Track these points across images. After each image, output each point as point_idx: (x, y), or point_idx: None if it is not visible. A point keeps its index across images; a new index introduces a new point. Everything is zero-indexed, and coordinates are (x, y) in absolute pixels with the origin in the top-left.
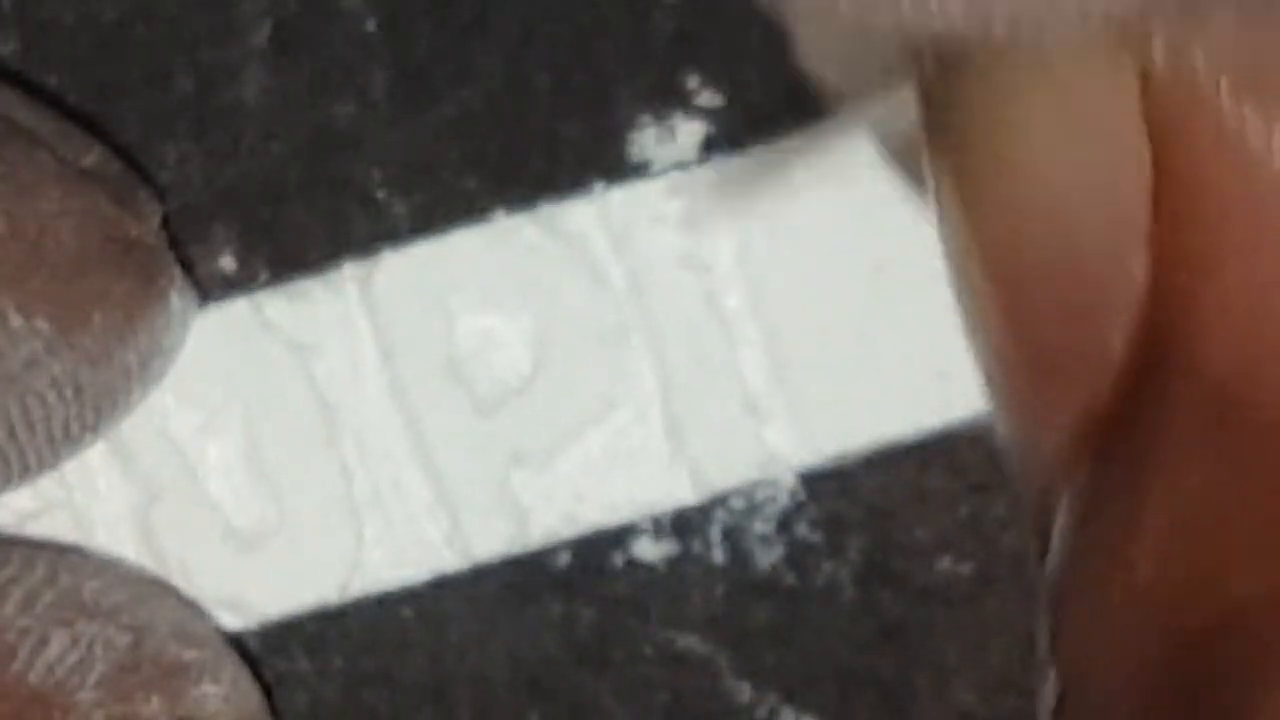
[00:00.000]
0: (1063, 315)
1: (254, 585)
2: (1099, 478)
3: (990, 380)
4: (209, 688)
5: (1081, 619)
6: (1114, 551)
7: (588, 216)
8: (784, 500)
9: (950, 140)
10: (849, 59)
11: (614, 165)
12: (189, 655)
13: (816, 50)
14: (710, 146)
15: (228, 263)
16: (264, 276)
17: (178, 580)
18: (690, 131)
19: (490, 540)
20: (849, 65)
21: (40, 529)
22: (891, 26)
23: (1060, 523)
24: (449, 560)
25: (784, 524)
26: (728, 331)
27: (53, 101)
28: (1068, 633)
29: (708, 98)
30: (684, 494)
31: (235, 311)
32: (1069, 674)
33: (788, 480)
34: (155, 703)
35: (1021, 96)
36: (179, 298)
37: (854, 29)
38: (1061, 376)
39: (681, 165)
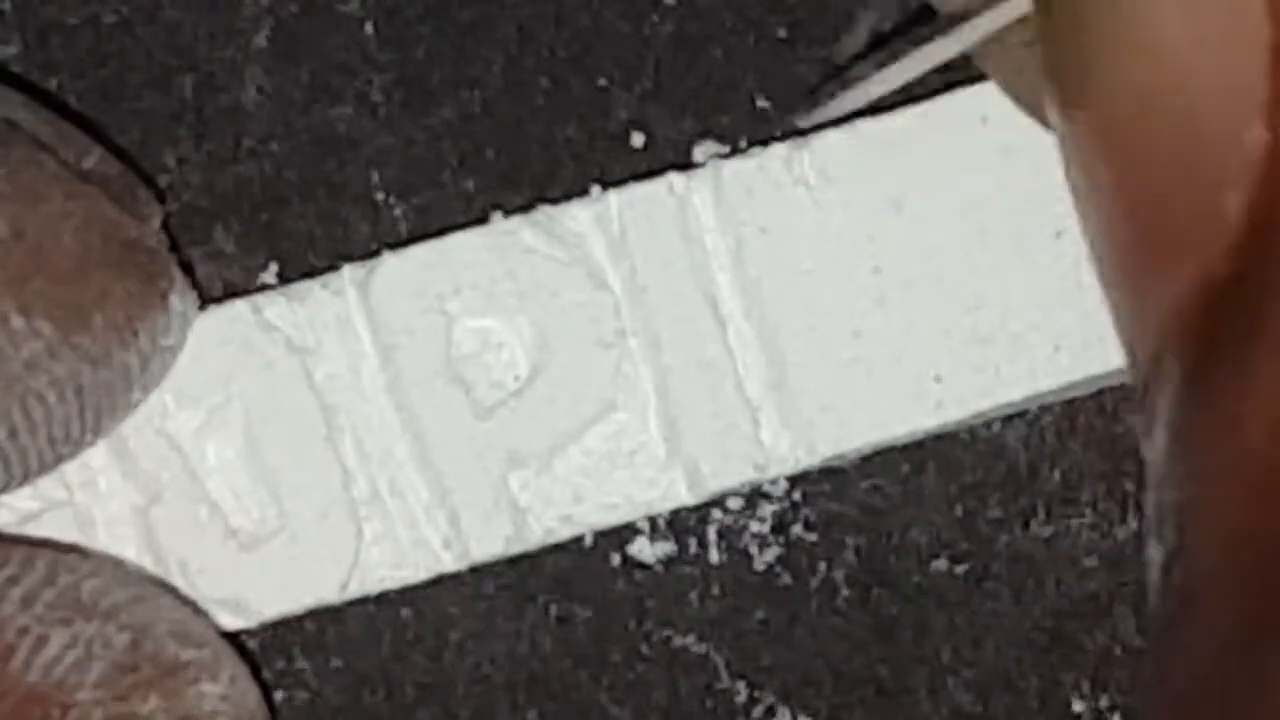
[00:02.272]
0: (1179, 186)
1: (253, 585)
2: (1210, 345)
3: (1100, 256)
4: (208, 687)
5: (1191, 483)
6: (1225, 415)
7: (586, 219)
8: (780, 501)
9: (1066, 17)
10: None
11: (613, 168)
12: (188, 655)
13: None
14: (712, 151)
15: (228, 264)
16: (264, 278)
17: (177, 580)
18: (692, 136)
19: (488, 541)
20: None
21: (41, 529)
22: None
23: (1170, 391)
24: (447, 561)
25: (780, 524)
26: (725, 334)
27: (54, 104)
28: (1177, 495)
29: (708, 99)
30: (681, 495)
31: (235, 313)
32: (1178, 536)
33: (783, 481)
34: (154, 702)
35: None
36: (179, 299)
37: None
38: (1176, 246)
39: (681, 167)
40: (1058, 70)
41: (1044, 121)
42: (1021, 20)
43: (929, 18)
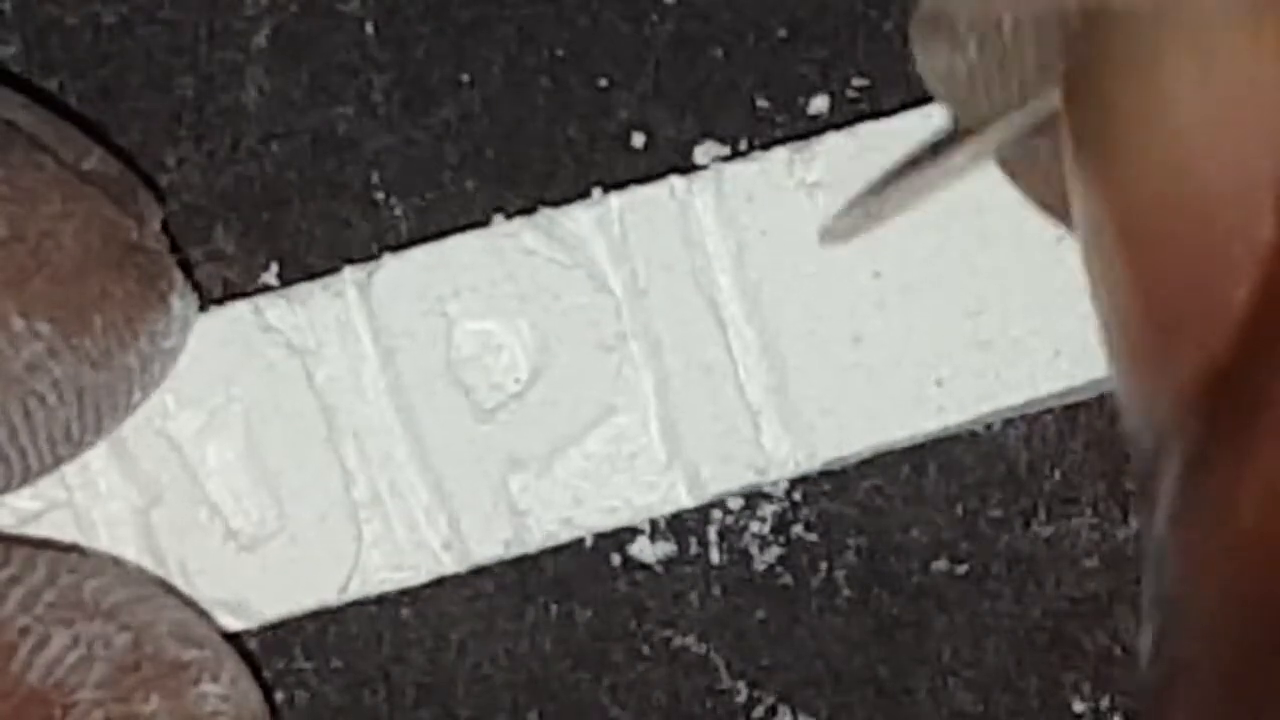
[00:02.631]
0: (1189, 272)
1: (254, 586)
2: (1212, 429)
3: (1111, 339)
4: (208, 687)
5: (1185, 566)
6: (1221, 501)
7: (587, 222)
8: (780, 501)
9: (1091, 99)
10: (972, 78)
11: (613, 168)
12: (189, 655)
13: (937, 73)
14: (713, 153)
15: (228, 265)
16: (264, 278)
17: (178, 581)
18: (693, 137)
19: (488, 543)
20: (972, 84)
21: (41, 530)
22: None
23: (1170, 477)
24: (447, 563)
25: (780, 525)
26: (725, 337)
27: (54, 105)
28: (1170, 579)
29: (709, 100)
30: (681, 499)
31: (235, 314)
32: (1170, 617)
33: (784, 481)
34: (155, 702)
35: (1164, 55)
36: (179, 301)
37: (1013, 8)
38: (1183, 332)
39: (682, 170)
40: (1081, 164)
41: (1066, 225)
42: (1046, 125)
43: (951, 134)
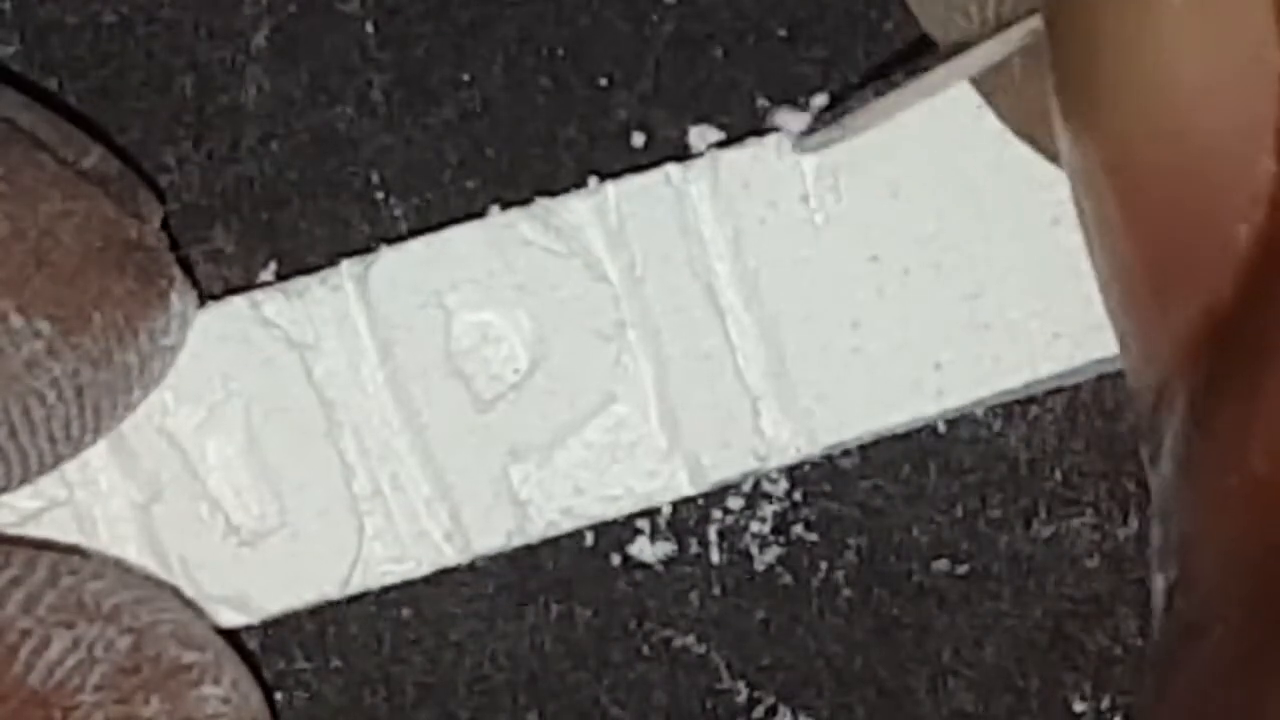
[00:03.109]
0: (1188, 214)
1: (255, 582)
2: (1216, 375)
3: (1110, 288)
4: (209, 689)
5: (1196, 512)
6: (1229, 445)
7: (584, 211)
8: (781, 501)
9: (1076, 34)
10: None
11: (613, 168)
12: (189, 657)
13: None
14: (708, 136)
15: (227, 264)
16: (263, 277)
17: (179, 578)
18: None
19: (490, 534)
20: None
21: (42, 528)
22: None
23: (1175, 421)
24: (449, 555)
25: (780, 524)
26: (724, 324)
27: (53, 104)
28: (1182, 525)
29: (708, 99)
30: (682, 487)
31: (234, 309)
32: (1182, 565)
33: (784, 481)
34: (155, 704)
35: None
36: (179, 298)
37: None
38: (1184, 275)
39: (678, 158)
40: (1067, 100)
41: (1045, 153)
42: (1026, 50)
43: (928, 49)
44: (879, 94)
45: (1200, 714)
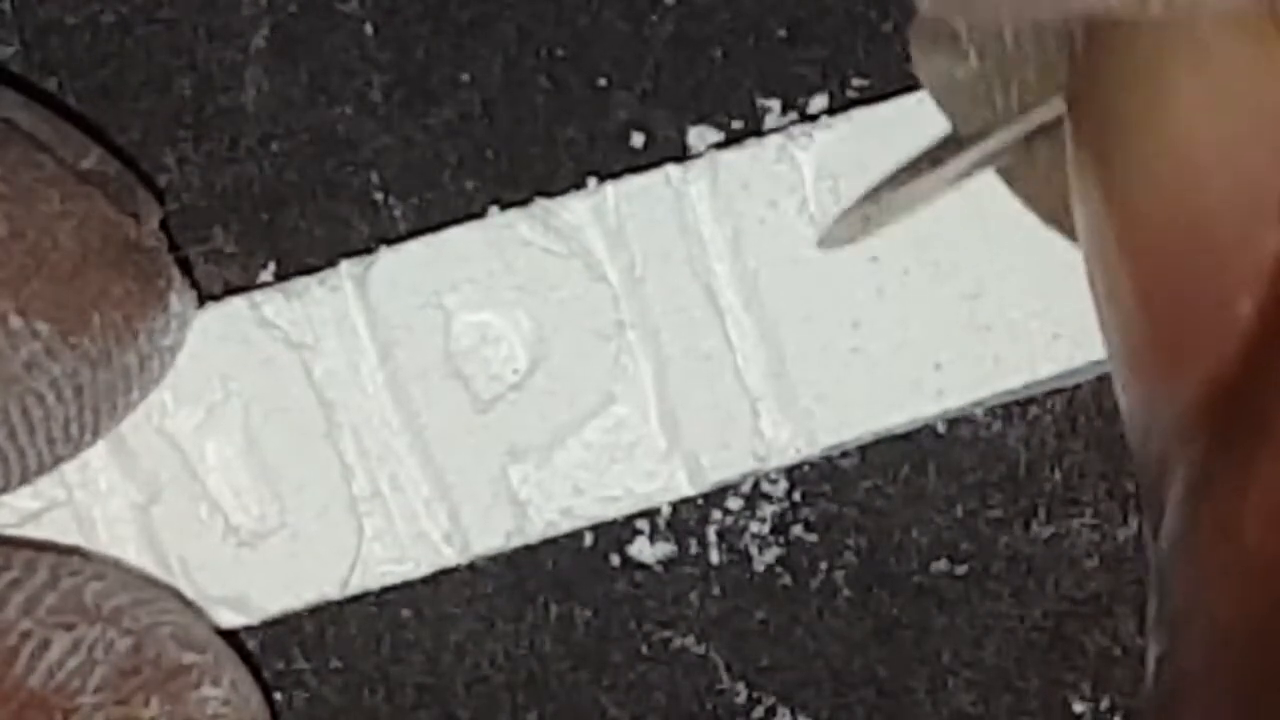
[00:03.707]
0: (1194, 284)
1: (255, 582)
2: (1216, 446)
3: (1116, 352)
4: (209, 691)
5: (1189, 585)
6: (1224, 516)
7: (583, 211)
8: (780, 501)
9: (1094, 112)
10: (974, 88)
11: (612, 168)
12: (189, 659)
13: (938, 82)
14: (707, 136)
15: (227, 264)
16: (263, 278)
17: (178, 578)
18: (690, 129)
19: (489, 534)
20: (973, 95)
21: (41, 529)
22: (1052, 7)
23: (1174, 495)
24: (449, 555)
25: (780, 525)
26: (723, 325)
27: (53, 104)
28: (1175, 599)
29: (708, 100)
30: (681, 487)
31: (233, 310)
32: (1172, 638)
33: (784, 481)
34: (155, 705)
35: (1167, 68)
36: (178, 299)
37: (1015, 19)
38: (1190, 348)
39: (678, 160)
40: (1085, 178)
41: (1072, 237)
42: (1049, 138)
43: (950, 141)
44: (903, 185)
45: None
